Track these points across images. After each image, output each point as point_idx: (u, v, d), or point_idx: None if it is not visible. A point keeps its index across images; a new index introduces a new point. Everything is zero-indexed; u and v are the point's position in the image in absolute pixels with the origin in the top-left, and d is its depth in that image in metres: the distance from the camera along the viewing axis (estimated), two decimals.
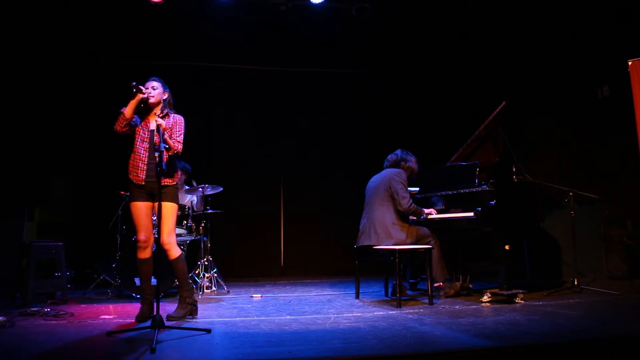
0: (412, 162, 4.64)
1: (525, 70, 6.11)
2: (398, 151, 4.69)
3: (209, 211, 5.31)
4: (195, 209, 5.46)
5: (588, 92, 5.74)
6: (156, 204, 3.46)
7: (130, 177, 3.59)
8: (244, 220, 6.85)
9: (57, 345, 2.77)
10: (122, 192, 5.06)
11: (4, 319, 3.36)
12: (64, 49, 6.00)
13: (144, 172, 3.55)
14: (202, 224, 5.28)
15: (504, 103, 4.49)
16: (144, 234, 3.58)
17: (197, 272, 5.14)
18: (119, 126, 3.54)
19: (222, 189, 5.33)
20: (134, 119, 3.59)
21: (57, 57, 5.91)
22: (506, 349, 2.59)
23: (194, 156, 5.86)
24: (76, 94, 6.38)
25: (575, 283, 4.56)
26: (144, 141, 3.60)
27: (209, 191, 5.28)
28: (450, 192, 4.50)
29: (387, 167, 4.65)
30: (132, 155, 3.62)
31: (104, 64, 6.55)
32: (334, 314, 3.71)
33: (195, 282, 5.10)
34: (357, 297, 4.56)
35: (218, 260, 5.58)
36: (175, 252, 3.60)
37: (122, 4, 5.90)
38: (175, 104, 3.79)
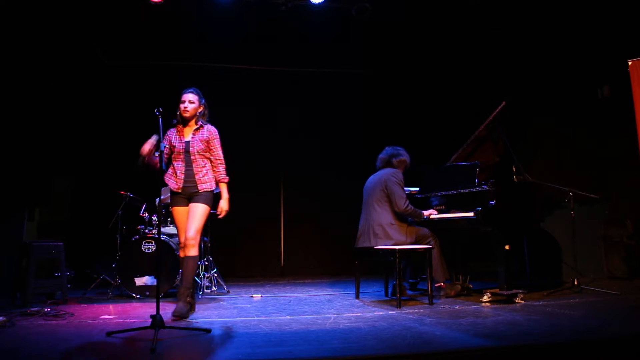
0: (403, 154, 4.62)
1: (526, 70, 6.11)
2: (386, 149, 4.69)
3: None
4: None
5: (588, 92, 5.74)
6: (192, 204, 3.78)
7: (168, 184, 3.84)
8: (244, 220, 6.83)
9: (57, 345, 2.76)
10: (122, 192, 5.05)
11: (4, 319, 3.36)
12: (65, 49, 5.99)
13: (182, 180, 3.79)
14: None
15: (504, 103, 4.48)
16: (183, 235, 3.78)
17: (197, 272, 5.14)
18: (155, 166, 3.67)
19: None
20: (156, 153, 3.65)
21: (57, 57, 5.90)
22: (506, 349, 2.59)
23: None
24: (76, 94, 6.38)
25: (575, 283, 4.56)
26: (180, 152, 3.80)
27: None
28: (450, 192, 4.50)
29: (380, 168, 4.64)
30: (172, 165, 3.85)
31: (104, 64, 6.55)
32: (334, 314, 3.71)
33: (195, 282, 5.10)
34: (357, 297, 4.56)
35: (218, 260, 5.58)
36: (194, 251, 3.74)
37: (122, 4, 5.90)
38: (208, 110, 3.98)
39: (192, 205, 3.77)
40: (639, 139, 4.45)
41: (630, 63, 4.57)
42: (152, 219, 5.03)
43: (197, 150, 3.77)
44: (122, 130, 6.48)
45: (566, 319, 3.29)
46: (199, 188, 3.77)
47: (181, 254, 3.80)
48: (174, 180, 3.80)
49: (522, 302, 4.02)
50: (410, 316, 3.55)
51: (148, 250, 4.75)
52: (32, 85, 5.57)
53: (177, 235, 5.16)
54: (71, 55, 6.15)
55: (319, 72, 7.20)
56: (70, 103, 6.30)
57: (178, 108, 3.82)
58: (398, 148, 4.66)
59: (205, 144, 3.81)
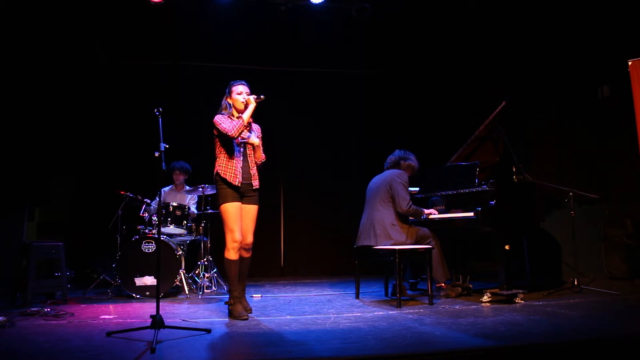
0: (412, 159, 4.65)
1: (526, 70, 6.11)
2: (396, 151, 4.70)
3: (209, 211, 5.31)
4: (194, 211, 5.46)
5: (588, 92, 5.74)
6: (245, 205, 3.74)
7: (227, 179, 3.67)
8: None
9: (57, 345, 2.77)
10: (122, 192, 5.05)
11: (4, 319, 3.36)
12: (64, 48, 6.00)
13: (240, 175, 3.71)
14: (202, 224, 5.29)
15: (504, 103, 4.48)
16: (239, 233, 3.64)
17: (197, 272, 5.15)
18: (238, 132, 3.67)
19: None
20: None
21: (57, 56, 5.91)
22: (506, 349, 2.59)
23: (193, 156, 5.87)
24: (76, 93, 6.38)
25: (575, 283, 4.56)
26: (239, 146, 3.78)
27: (209, 191, 5.27)
28: (450, 192, 4.50)
29: (387, 169, 4.65)
30: (227, 159, 3.72)
31: (104, 64, 6.55)
32: (334, 314, 3.71)
33: (195, 282, 5.10)
34: (357, 297, 4.56)
35: (218, 260, 5.57)
36: (250, 252, 3.77)
37: (122, 4, 5.90)
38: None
39: (247, 207, 3.73)
40: (639, 139, 4.45)
41: (630, 63, 4.57)
42: (152, 219, 5.02)
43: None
44: (122, 130, 6.48)
45: (566, 319, 3.29)
46: (254, 184, 3.77)
47: (230, 256, 3.61)
48: (232, 174, 3.67)
49: (522, 302, 4.02)
50: (410, 316, 3.55)
51: (148, 250, 4.75)
52: (32, 85, 5.58)
53: (177, 235, 5.21)
54: (72, 54, 6.16)
55: (319, 72, 7.20)
56: (70, 102, 6.31)
57: (229, 99, 3.82)
58: (409, 153, 4.68)
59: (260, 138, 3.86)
